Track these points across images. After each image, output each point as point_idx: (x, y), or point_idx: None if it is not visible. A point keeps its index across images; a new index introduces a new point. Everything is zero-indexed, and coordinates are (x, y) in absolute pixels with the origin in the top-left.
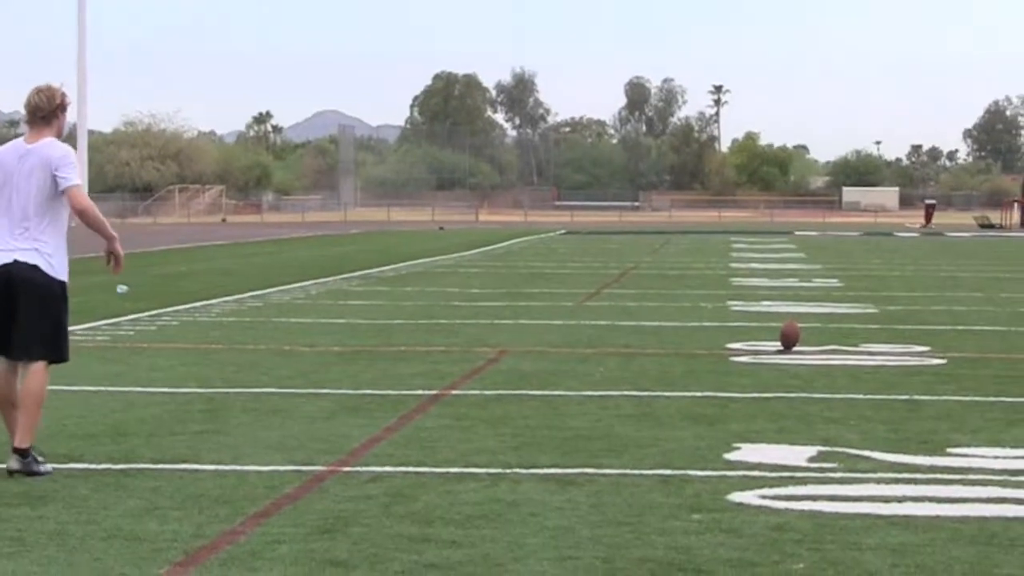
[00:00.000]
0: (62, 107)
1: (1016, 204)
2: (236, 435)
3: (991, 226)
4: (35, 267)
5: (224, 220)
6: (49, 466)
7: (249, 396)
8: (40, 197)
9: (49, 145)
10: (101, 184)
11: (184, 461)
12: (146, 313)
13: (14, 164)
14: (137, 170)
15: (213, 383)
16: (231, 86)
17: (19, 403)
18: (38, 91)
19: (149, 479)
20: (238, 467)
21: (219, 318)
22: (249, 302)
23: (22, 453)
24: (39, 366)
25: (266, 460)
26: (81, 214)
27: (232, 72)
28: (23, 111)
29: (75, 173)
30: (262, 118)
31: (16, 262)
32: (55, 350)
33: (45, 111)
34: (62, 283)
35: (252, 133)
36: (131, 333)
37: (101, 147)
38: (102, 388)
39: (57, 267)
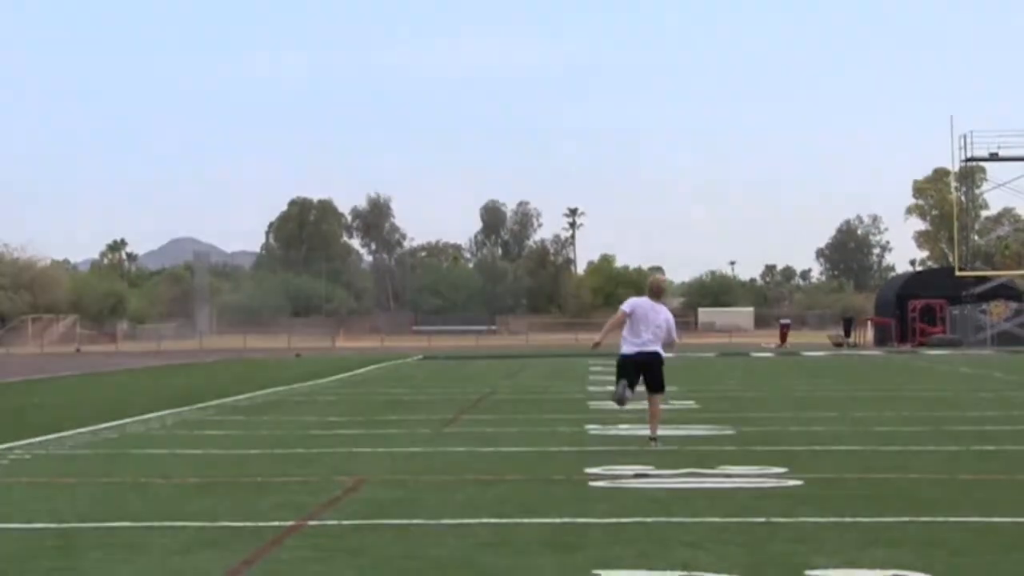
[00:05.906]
0: (664, 290)
1: (869, 322)
2: (90, 571)
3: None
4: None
5: (78, 350)
6: None
7: (104, 531)
8: (660, 331)
9: (664, 308)
10: None
11: None
12: None
13: (649, 308)
14: None
15: (66, 518)
16: (84, 214)
17: None
18: (660, 278)
19: None
20: None
21: (73, 450)
22: (104, 433)
23: None
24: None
25: None
26: (668, 346)
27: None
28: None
29: (675, 328)
30: (116, 246)
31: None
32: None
33: (661, 290)
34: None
35: (106, 261)
36: None
37: None
38: None
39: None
